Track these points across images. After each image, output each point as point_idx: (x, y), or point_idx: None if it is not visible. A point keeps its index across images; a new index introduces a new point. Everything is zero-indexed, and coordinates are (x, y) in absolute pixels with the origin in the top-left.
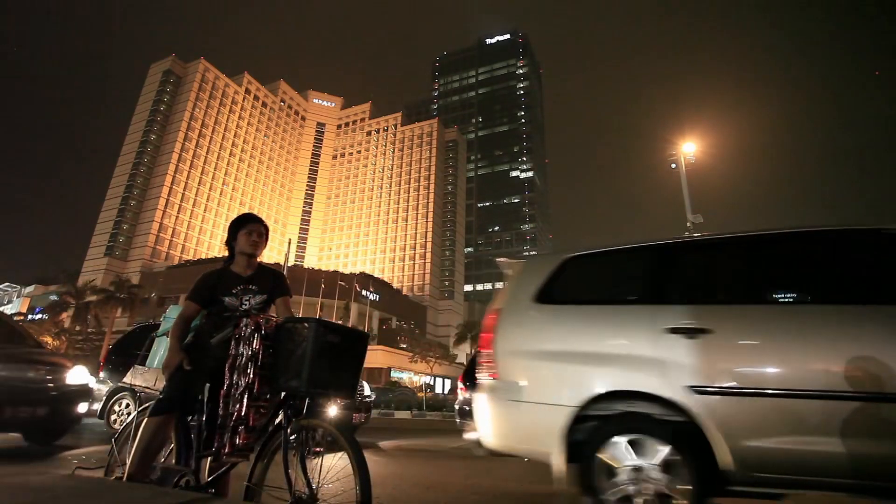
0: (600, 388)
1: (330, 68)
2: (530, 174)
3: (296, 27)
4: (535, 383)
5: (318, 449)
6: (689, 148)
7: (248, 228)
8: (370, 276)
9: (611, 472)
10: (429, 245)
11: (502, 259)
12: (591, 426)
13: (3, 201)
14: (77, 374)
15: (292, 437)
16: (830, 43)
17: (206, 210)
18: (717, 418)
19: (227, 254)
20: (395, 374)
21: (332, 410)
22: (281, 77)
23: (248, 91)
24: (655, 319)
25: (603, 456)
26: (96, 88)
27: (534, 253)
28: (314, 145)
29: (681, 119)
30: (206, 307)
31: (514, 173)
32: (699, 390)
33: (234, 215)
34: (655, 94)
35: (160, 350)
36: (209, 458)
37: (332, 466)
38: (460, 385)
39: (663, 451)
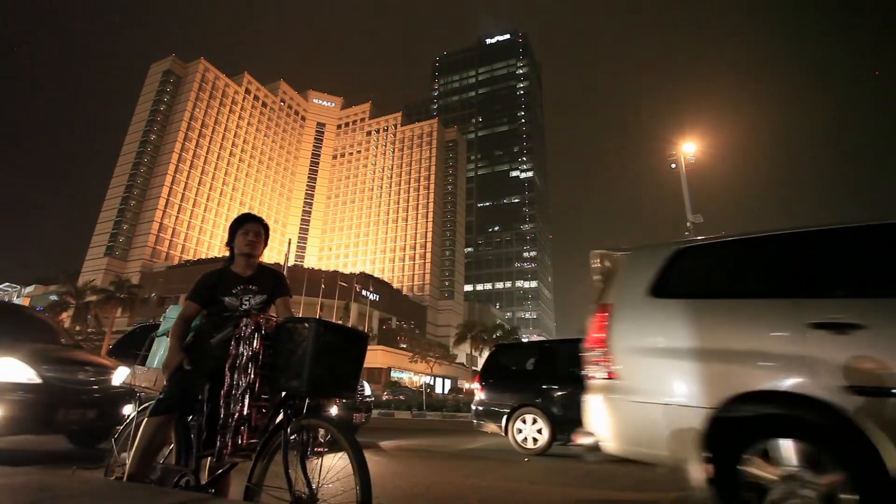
0: (739, 388)
1: (330, 68)
2: (530, 174)
3: (296, 27)
4: (662, 382)
5: (318, 449)
6: (689, 148)
7: (245, 228)
8: (370, 276)
9: (758, 479)
10: (429, 245)
11: (599, 251)
12: (730, 429)
13: (3, 201)
14: (121, 376)
15: (292, 436)
16: (830, 43)
17: (206, 210)
18: (885, 421)
19: (227, 253)
20: (395, 374)
21: (333, 410)
22: (281, 77)
23: (248, 91)
24: (797, 314)
25: (747, 462)
26: (96, 88)
27: (640, 245)
28: (314, 145)
29: (681, 119)
30: (206, 307)
31: (514, 173)
32: (860, 390)
33: (234, 215)
34: (655, 93)
35: (160, 350)
36: (210, 458)
37: (333, 466)
38: (477, 385)
39: (818, 456)
